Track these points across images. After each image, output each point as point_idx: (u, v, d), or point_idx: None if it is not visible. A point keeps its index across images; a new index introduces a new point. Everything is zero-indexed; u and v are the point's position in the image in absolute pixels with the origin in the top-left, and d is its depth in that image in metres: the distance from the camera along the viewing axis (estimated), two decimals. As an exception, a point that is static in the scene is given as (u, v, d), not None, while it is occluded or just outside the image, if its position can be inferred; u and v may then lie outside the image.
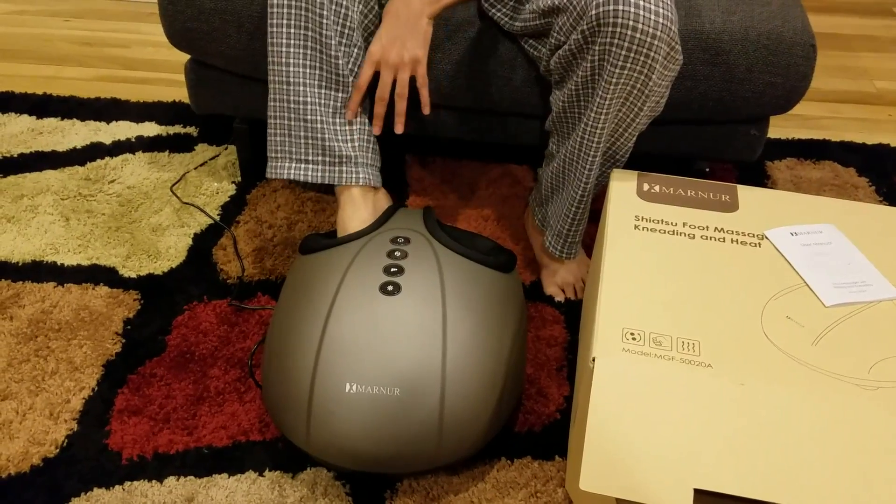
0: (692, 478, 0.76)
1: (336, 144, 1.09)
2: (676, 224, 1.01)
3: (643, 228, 1.00)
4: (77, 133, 1.62)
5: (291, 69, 1.07)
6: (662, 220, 1.01)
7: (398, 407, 0.90)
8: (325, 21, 1.04)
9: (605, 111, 1.02)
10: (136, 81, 1.83)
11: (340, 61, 1.07)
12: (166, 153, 1.57)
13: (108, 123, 1.65)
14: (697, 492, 0.76)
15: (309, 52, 1.06)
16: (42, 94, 1.75)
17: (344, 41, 1.07)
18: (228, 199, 1.45)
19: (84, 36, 2.02)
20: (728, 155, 1.33)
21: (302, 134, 1.09)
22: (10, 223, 1.39)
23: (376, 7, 1.11)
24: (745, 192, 1.07)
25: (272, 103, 1.10)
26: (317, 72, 1.07)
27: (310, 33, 1.05)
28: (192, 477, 1.00)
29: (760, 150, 1.33)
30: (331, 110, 1.09)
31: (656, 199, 1.05)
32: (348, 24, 1.07)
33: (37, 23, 2.07)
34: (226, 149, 1.58)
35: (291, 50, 1.06)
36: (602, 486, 0.77)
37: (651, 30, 0.93)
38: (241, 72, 1.29)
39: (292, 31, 1.05)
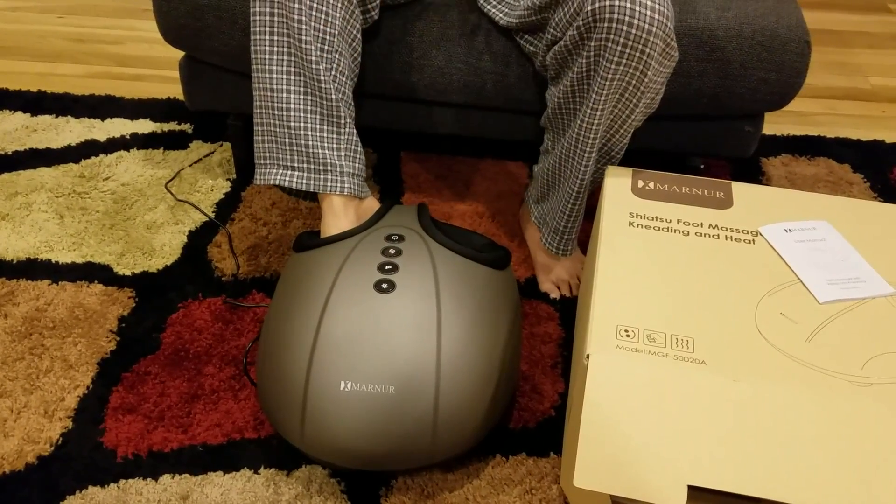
0: (686, 474, 0.76)
1: (321, 152, 1.08)
2: (671, 221, 1.01)
3: (638, 225, 1.00)
4: (71, 130, 1.61)
5: (274, 76, 1.05)
6: (657, 217, 1.01)
7: (393, 405, 0.90)
8: (303, 27, 1.03)
9: (600, 107, 1.02)
10: (131, 78, 1.82)
11: (321, 66, 1.05)
12: (161, 150, 1.56)
13: (102, 120, 1.65)
14: (692, 488, 0.76)
15: (293, 59, 1.05)
16: (36, 91, 1.74)
17: (326, 47, 1.05)
18: (223, 196, 1.45)
19: (78, 33, 2.01)
20: (723, 151, 1.33)
21: (287, 141, 1.08)
22: (5, 221, 1.39)
23: (357, 12, 1.10)
24: (740, 189, 1.07)
25: (257, 110, 1.09)
26: (301, 79, 1.06)
27: (291, 40, 1.04)
28: (186, 475, 1.00)
29: (755, 147, 1.33)
30: (317, 117, 1.07)
31: (651, 196, 1.05)
32: (329, 29, 1.05)
33: (31, 19, 2.07)
34: (220, 146, 1.58)
35: (274, 57, 1.05)
36: (596, 483, 0.77)
37: (647, 25, 0.93)
38: (236, 68, 1.29)
39: (275, 38, 1.04)
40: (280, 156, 1.09)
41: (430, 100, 1.29)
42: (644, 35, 0.94)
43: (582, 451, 0.78)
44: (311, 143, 1.07)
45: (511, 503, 0.98)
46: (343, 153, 1.09)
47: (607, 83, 0.99)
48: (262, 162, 1.11)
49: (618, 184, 1.07)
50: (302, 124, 1.07)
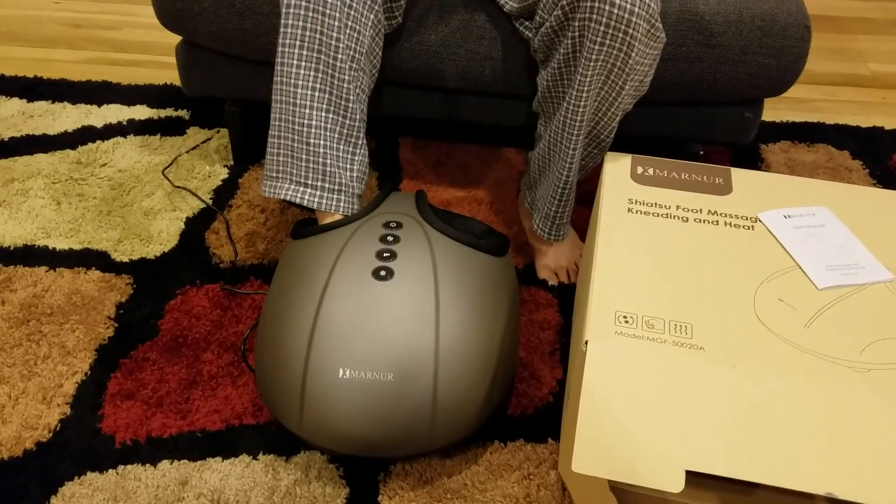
0: (684, 460, 0.76)
1: (337, 171, 1.07)
2: (670, 207, 1.00)
3: (637, 212, 1.00)
4: (68, 116, 1.61)
5: (299, 91, 1.04)
6: (656, 203, 1.01)
7: (391, 391, 0.90)
8: (340, 45, 1.01)
9: (586, 89, 1.02)
10: (128, 64, 1.81)
11: (350, 86, 1.05)
12: (158, 136, 1.56)
13: (99, 106, 1.64)
14: (689, 473, 0.76)
15: (320, 75, 1.03)
16: (32, 76, 1.74)
17: (354, 66, 1.05)
18: (220, 182, 1.45)
19: (75, 18, 2.00)
20: (722, 137, 1.33)
21: (304, 157, 1.07)
22: (1, 207, 1.38)
23: (382, 30, 1.10)
24: (739, 175, 1.06)
25: (275, 122, 1.07)
26: (326, 96, 1.04)
27: (322, 57, 1.02)
28: (185, 460, 1.01)
29: (754, 133, 1.32)
30: (336, 135, 1.06)
31: (650, 182, 1.04)
32: (358, 48, 1.04)
33: (27, 4, 2.05)
34: (218, 132, 1.57)
35: (301, 72, 1.03)
36: (594, 469, 0.77)
37: (629, 6, 0.93)
38: (233, 52, 1.28)
39: (304, 52, 1.02)
40: (294, 171, 1.08)
41: (429, 85, 1.28)
42: (626, 15, 0.94)
43: (580, 437, 0.78)
44: (328, 161, 1.07)
45: (509, 489, 0.99)
46: (355, 174, 1.09)
47: (591, 63, 0.99)
48: (274, 175, 1.10)
49: (617, 170, 1.06)
50: (322, 142, 1.06)
